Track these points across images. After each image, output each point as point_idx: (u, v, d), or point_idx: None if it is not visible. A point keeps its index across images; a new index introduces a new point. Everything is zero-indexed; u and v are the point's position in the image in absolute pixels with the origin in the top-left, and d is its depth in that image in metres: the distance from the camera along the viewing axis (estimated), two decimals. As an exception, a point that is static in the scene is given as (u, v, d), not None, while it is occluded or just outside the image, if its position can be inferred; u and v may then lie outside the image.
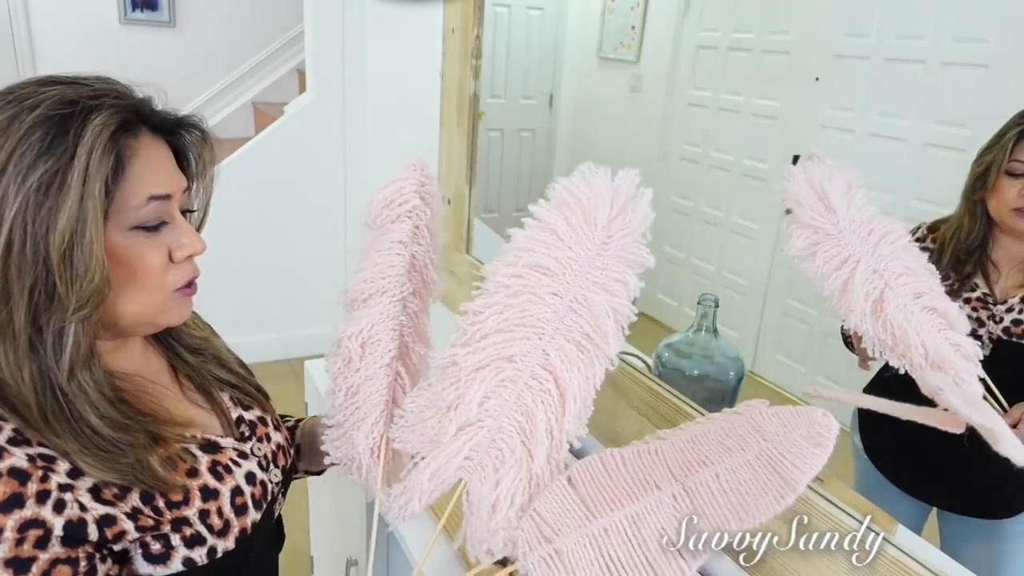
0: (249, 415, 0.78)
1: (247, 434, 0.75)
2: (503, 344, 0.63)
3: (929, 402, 0.68)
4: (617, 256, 0.64)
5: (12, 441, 0.56)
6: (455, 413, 0.63)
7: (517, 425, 0.63)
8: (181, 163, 0.67)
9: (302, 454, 0.90)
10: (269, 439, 0.78)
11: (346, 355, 0.73)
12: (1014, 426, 0.75)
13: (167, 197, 0.62)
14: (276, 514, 0.78)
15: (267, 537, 0.75)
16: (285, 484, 0.80)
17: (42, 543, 0.54)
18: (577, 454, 1.42)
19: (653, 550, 0.58)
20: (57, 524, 0.55)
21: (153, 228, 0.62)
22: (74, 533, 0.56)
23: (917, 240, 0.90)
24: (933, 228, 0.90)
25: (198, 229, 0.70)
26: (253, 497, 0.70)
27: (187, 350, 0.76)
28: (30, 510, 0.54)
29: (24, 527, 0.54)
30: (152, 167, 0.61)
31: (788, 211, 0.71)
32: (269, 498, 0.74)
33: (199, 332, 0.79)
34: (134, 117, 0.61)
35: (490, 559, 0.63)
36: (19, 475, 0.55)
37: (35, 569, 0.54)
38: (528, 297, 0.63)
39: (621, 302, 0.63)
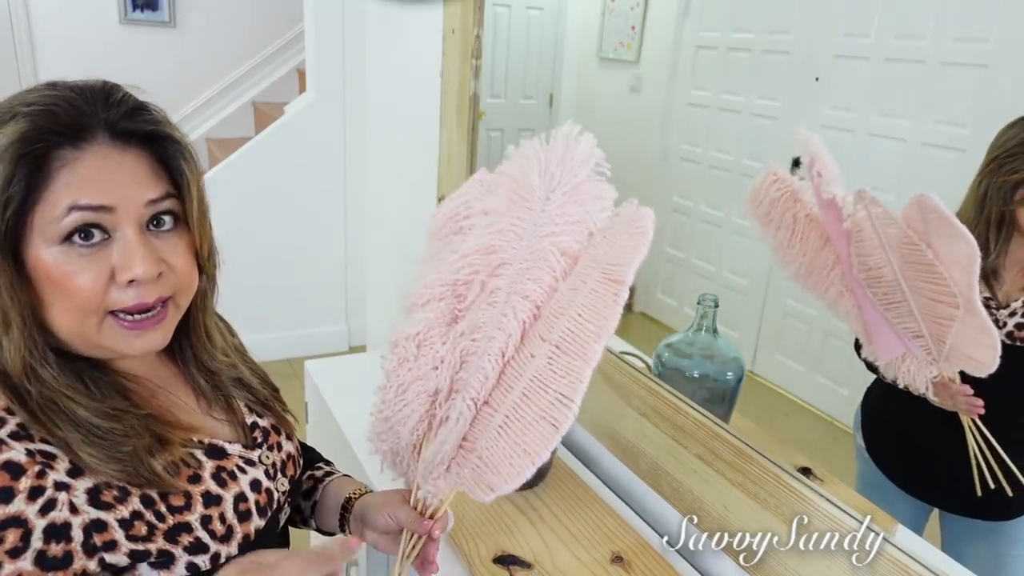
0: (263, 421, 0.77)
1: (259, 440, 0.75)
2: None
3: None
4: (569, 199, 0.64)
5: (14, 436, 0.55)
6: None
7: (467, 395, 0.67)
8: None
9: (318, 513, 0.87)
10: (280, 448, 0.77)
11: (402, 354, 0.74)
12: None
13: (100, 208, 0.57)
14: (282, 523, 0.77)
15: (273, 547, 0.74)
16: (293, 494, 0.79)
17: (17, 551, 0.53)
18: (571, 446, 1.41)
19: (552, 409, 0.58)
20: (39, 526, 0.53)
21: (88, 244, 0.58)
22: (55, 535, 0.54)
23: None
24: None
25: (200, 246, 0.66)
26: (258, 504, 0.69)
27: (205, 372, 0.73)
28: (15, 507, 0.53)
29: (4, 525, 0.52)
30: (88, 177, 0.57)
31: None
32: (275, 507, 0.73)
33: (226, 359, 0.76)
34: (68, 127, 0.57)
35: (434, 499, 0.69)
36: (14, 469, 0.54)
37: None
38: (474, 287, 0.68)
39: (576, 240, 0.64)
